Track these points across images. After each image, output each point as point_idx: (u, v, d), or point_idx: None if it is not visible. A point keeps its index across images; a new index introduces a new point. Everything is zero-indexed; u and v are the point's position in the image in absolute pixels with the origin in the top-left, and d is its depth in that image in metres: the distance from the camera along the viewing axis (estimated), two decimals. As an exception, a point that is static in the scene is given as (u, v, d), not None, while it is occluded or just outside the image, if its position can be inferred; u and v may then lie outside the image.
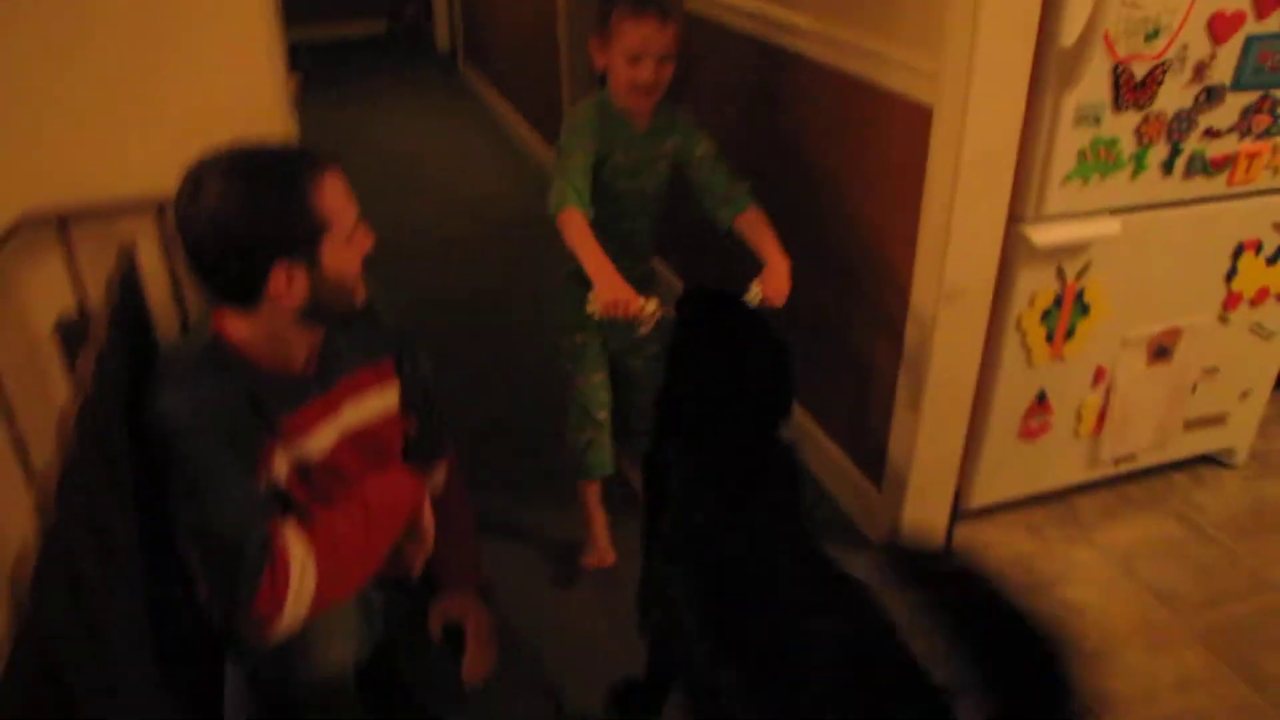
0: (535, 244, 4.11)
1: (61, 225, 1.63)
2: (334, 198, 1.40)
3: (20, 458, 1.74)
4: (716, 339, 1.73)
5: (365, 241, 1.48)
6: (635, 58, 1.92)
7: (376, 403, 1.64)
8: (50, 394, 1.76)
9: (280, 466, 1.49)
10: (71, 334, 1.67)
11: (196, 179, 1.34)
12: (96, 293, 1.70)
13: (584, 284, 1.86)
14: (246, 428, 1.43)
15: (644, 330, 1.89)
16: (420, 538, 1.64)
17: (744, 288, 1.87)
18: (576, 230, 1.88)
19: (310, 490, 1.54)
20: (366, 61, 7.47)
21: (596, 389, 2.23)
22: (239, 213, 1.34)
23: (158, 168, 1.62)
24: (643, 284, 2.12)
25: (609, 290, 1.80)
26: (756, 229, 1.99)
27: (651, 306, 1.82)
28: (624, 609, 2.19)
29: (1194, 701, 2.00)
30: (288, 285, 1.39)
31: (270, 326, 1.45)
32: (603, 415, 2.26)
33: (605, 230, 1.99)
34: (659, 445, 1.75)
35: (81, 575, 1.06)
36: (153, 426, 1.38)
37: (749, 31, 2.63)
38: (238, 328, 1.45)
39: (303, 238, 1.38)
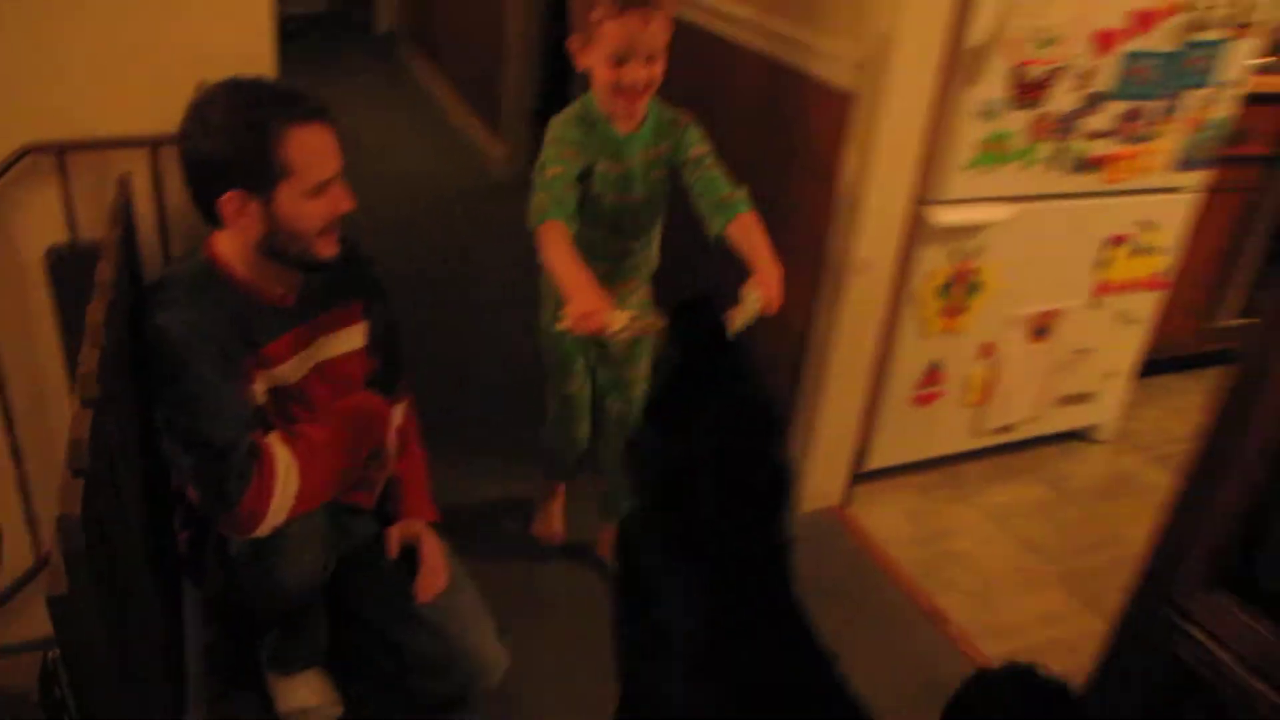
0: (474, 220, 4.27)
1: (60, 157, 1.75)
2: (302, 150, 1.49)
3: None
4: (701, 418, 1.38)
5: (338, 203, 1.58)
6: (621, 59, 1.76)
7: (345, 340, 1.77)
8: (31, 317, 1.87)
9: (259, 388, 1.63)
10: (61, 262, 1.79)
11: (203, 97, 1.49)
12: (87, 228, 1.82)
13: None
14: (234, 347, 1.56)
15: (617, 343, 1.78)
16: (383, 460, 1.80)
17: (734, 299, 1.70)
18: (552, 240, 1.70)
19: (282, 414, 1.66)
20: (305, 41, 7.44)
21: (579, 402, 2.19)
22: (208, 135, 1.48)
23: (153, 108, 1.75)
24: (641, 311, 2.01)
25: (579, 302, 1.59)
26: (749, 235, 1.81)
27: (622, 320, 1.60)
28: (565, 555, 2.38)
29: (1055, 633, 2.28)
30: (237, 215, 1.51)
31: (243, 253, 1.58)
32: (583, 431, 2.24)
33: (599, 251, 1.91)
34: (637, 531, 1.51)
35: (113, 446, 1.22)
36: (149, 341, 1.51)
37: (689, 20, 2.80)
38: (223, 250, 1.59)
39: (258, 176, 1.49)
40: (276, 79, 1.59)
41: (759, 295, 1.70)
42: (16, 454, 1.97)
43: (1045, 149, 2.38)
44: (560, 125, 1.88)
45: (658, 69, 1.81)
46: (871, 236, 2.25)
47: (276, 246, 1.56)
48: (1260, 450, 1.15)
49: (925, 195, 2.30)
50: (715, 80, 2.75)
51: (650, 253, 2.07)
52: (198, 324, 1.51)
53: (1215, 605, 1.18)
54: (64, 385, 1.89)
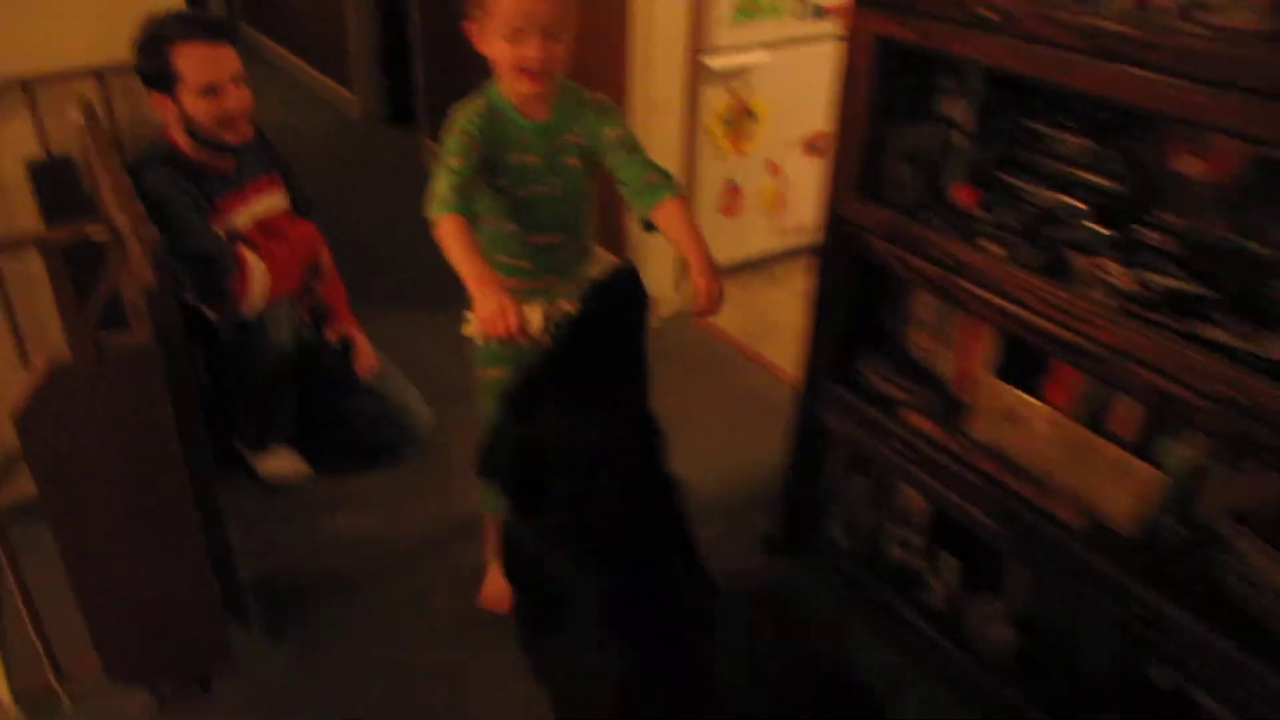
0: (345, 155, 4.85)
1: (25, 89, 2.28)
2: (188, 61, 2.10)
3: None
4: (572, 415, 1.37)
5: (226, 103, 2.15)
6: (517, 32, 1.63)
7: (271, 200, 2.40)
8: (16, 220, 2.38)
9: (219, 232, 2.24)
10: (40, 172, 2.32)
11: (144, 25, 2.10)
12: (54, 144, 2.35)
13: None
14: (199, 198, 2.17)
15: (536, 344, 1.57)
16: (322, 273, 2.43)
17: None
18: (449, 233, 1.56)
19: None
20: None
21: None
22: (138, 52, 2.12)
23: (97, 44, 2.30)
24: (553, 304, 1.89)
25: (485, 301, 1.45)
26: (675, 223, 1.67)
27: (537, 318, 1.51)
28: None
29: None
30: (162, 108, 2.15)
31: (183, 138, 2.19)
32: None
33: (517, 249, 1.82)
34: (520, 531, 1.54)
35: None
36: (144, 196, 2.08)
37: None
38: (173, 135, 2.20)
39: (162, 80, 2.12)
40: (191, 9, 2.18)
41: (691, 294, 1.62)
42: (17, 333, 2.48)
43: (788, 4, 3.09)
44: (463, 116, 1.74)
45: (560, 48, 1.68)
46: (662, 83, 2.95)
47: (193, 132, 2.18)
48: (866, 108, 1.88)
49: (700, 47, 3.00)
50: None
51: (581, 245, 1.91)
52: (174, 179, 2.13)
53: (861, 208, 1.91)
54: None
